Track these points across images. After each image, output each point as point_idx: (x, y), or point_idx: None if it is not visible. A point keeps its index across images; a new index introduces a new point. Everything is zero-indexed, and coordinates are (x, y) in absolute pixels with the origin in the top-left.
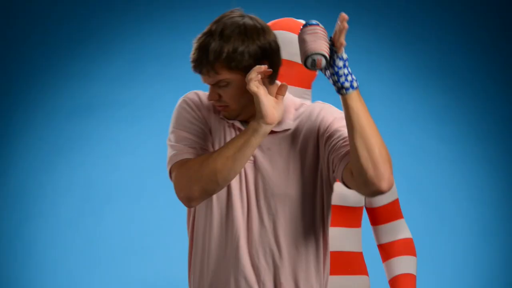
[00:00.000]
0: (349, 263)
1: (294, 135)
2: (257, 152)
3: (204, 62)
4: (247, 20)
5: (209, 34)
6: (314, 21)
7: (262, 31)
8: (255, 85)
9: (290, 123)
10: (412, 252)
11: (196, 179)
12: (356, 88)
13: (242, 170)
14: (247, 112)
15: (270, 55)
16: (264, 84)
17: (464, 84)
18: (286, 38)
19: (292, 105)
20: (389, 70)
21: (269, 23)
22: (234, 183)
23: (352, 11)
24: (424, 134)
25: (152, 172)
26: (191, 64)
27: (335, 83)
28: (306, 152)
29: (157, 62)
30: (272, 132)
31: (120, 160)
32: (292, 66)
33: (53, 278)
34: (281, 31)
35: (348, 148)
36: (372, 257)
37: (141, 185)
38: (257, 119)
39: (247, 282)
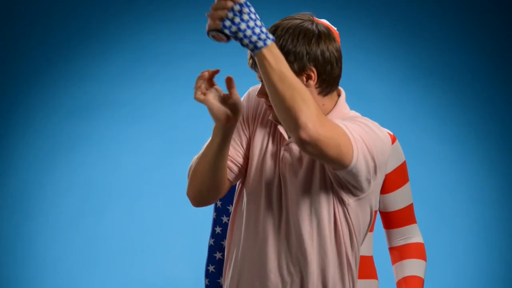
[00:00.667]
0: (361, 267)
1: None
2: (290, 159)
3: (254, 59)
4: (307, 24)
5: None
6: None
7: (318, 38)
8: (199, 94)
9: None
10: (423, 257)
11: (192, 181)
12: (266, 45)
13: (277, 177)
14: None
15: (320, 63)
16: (316, 99)
17: (464, 84)
18: None
19: (340, 116)
20: (389, 70)
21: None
22: (266, 189)
23: (352, 11)
24: (424, 134)
25: (152, 172)
26: (249, 60)
27: (245, 46)
28: None
29: (157, 62)
30: None
31: (120, 160)
32: None
33: (53, 277)
34: None
35: None
36: (381, 261)
37: (141, 185)
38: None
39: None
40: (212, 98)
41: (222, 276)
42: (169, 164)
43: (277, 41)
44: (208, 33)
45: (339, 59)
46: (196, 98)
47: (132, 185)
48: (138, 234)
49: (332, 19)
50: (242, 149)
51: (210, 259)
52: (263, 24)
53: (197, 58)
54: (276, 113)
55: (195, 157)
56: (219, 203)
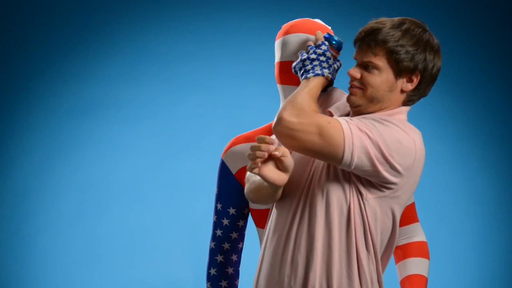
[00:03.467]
0: None
1: None
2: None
3: (371, 38)
4: (427, 34)
5: (392, 22)
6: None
7: (434, 50)
8: (256, 170)
9: None
10: (426, 255)
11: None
12: (318, 75)
13: (309, 174)
14: (371, 107)
15: (426, 72)
16: (399, 105)
17: (464, 84)
18: (302, 39)
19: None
20: None
21: (288, 24)
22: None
23: (352, 10)
24: (424, 134)
25: (152, 172)
26: (358, 36)
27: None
28: None
29: (157, 62)
30: None
31: (120, 160)
32: None
33: (53, 277)
34: (297, 34)
35: None
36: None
37: (141, 185)
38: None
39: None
40: (267, 171)
41: (223, 279)
42: (169, 164)
43: (401, 38)
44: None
45: (436, 79)
46: (253, 173)
47: (132, 185)
48: (138, 234)
49: (332, 19)
50: None
51: (212, 262)
52: (327, 60)
53: (197, 58)
54: None
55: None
56: (219, 206)
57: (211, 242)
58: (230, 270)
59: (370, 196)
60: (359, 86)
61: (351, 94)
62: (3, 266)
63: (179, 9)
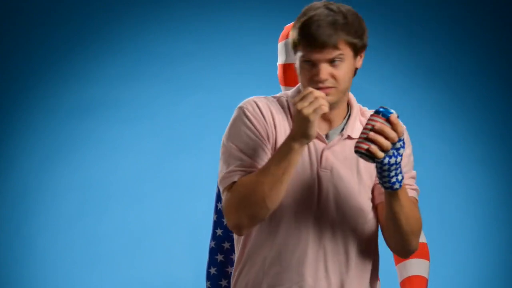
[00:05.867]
0: None
1: None
2: (334, 161)
3: (326, 34)
4: (344, 5)
5: (326, 12)
6: (383, 110)
7: (358, 15)
8: (325, 107)
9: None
10: (426, 256)
11: (244, 206)
12: (403, 179)
13: (316, 179)
14: (343, 98)
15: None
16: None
17: (464, 84)
18: None
19: (357, 110)
20: (389, 70)
21: (291, 25)
22: (306, 193)
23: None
24: (424, 134)
25: (152, 172)
26: (306, 40)
27: (383, 182)
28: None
29: (157, 62)
30: (349, 137)
31: (120, 160)
32: None
33: (53, 277)
34: None
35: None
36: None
37: (141, 185)
38: (300, 139)
39: None
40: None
41: (224, 278)
42: (169, 164)
43: (349, 18)
44: (357, 151)
45: None
46: (322, 110)
47: (132, 185)
48: (138, 234)
49: None
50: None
51: (212, 261)
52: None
53: (197, 58)
54: (389, 230)
55: (249, 184)
56: (219, 205)
57: (211, 241)
58: (230, 270)
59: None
60: (331, 85)
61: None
62: (3, 266)
63: (179, 9)
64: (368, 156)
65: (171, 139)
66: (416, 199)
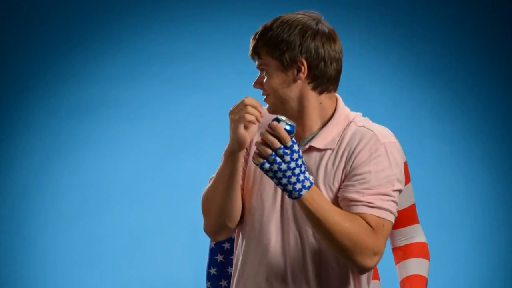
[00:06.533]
0: None
1: (335, 155)
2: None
3: (252, 42)
4: (310, 21)
5: (272, 21)
6: (273, 119)
7: (315, 33)
8: (253, 119)
9: (334, 141)
10: (426, 256)
11: (204, 214)
12: (309, 187)
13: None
14: (288, 107)
15: (312, 57)
16: (310, 95)
17: (464, 84)
18: None
19: (344, 120)
20: (389, 70)
21: None
22: (271, 199)
23: (352, 11)
24: (424, 134)
25: (152, 172)
26: (251, 52)
27: (282, 188)
28: (336, 174)
29: (157, 62)
30: (312, 148)
31: (120, 160)
32: None
33: (53, 277)
34: None
35: (353, 195)
36: (382, 261)
37: (141, 185)
38: (230, 145)
39: None
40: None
41: (224, 279)
42: (169, 164)
43: (274, 30)
44: (252, 160)
45: (335, 60)
46: (249, 121)
47: (132, 185)
48: (138, 234)
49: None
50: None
51: (212, 262)
52: (303, 163)
53: (197, 58)
54: (324, 243)
55: (206, 191)
56: None
57: (211, 241)
58: (230, 270)
59: None
60: (264, 93)
61: (264, 101)
62: (3, 266)
63: (179, 9)
64: (254, 162)
65: (171, 139)
66: (376, 217)
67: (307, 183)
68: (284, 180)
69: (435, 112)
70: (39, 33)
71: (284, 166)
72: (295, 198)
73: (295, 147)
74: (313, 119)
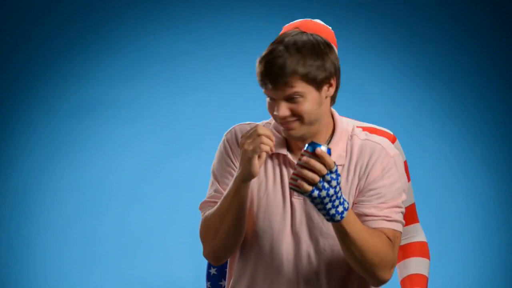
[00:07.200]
0: None
1: (347, 171)
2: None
3: (278, 75)
4: (315, 36)
5: (280, 48)
6: (310, 144)
7: (329, 47)
8: (268, 148)
9: (342, 157)
10: (426, 255)
11: (206, 240)
12: (347, 208)
13: (289, 206)
14: (314, 128)
15: (337, 71)
16: (326, 106)
17: (464, 84)
18: None
19: (345, 134)
20: (389, 70)
21: (288, 25)
22: (280, 219)
23: (352, 11)
24: (424, 134)
25: (152, 172)
26: (261, 79)
27: (322, 214)
28: (350, 190)
29: (157, 62)
30: None
31: (120, 160)
32: None
33: (53, 277)
34: None
35: (371, 210)
36: None
37: (140, 185)
38: (242, 175)
39: None
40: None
41: (224, 279)
42: (169, 164)
43: (304, 57)
44: (291, 187)
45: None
46: (265, 151)
47: (132, 185)
48: (138, 234)
49: (332, 19)
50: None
51: None
52: (340, 188)
53: (197, 58)
54: (348, 260)
55: (209, 219)
56: None
57: None
58: None
59: None
60: (293, 119)
61: (288, 129)
62: (3, 266)
63: (179, 9)
64: (297, 190)
65: (171, 139)
66: (393, 230)
67: (346, 205)
68: (329, 205)
69: (435, 112)
70: (39, 33)
71: (331, 191)
72: (337, 221)
73: (338, 170)
74: (323, 134)
